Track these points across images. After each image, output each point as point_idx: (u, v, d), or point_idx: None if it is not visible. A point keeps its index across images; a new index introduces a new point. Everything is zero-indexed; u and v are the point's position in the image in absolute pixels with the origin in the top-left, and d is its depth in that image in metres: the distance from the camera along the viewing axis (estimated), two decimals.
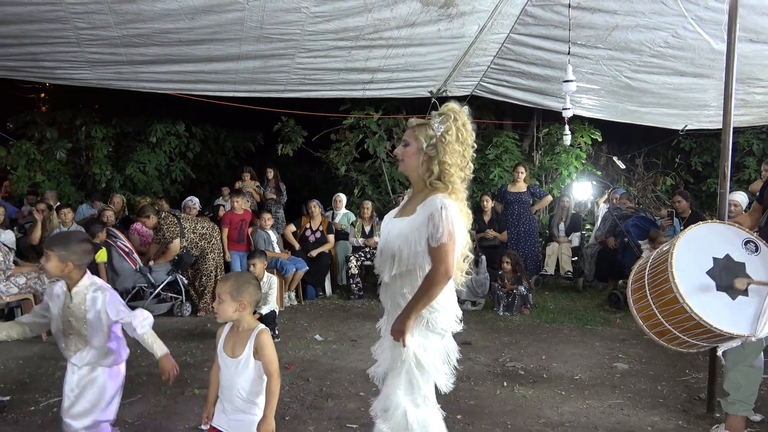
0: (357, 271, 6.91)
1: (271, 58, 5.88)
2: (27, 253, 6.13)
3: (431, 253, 2.07)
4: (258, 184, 8.53)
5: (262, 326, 2.25)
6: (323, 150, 9.57)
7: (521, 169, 7.38)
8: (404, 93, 7.57)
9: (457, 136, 2.17)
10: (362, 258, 6.99)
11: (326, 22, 5.21)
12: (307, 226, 7.19)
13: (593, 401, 3.74)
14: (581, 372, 4.32)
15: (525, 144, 10.20)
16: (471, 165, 2.26)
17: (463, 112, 2.22)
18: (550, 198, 7.71)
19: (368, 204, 7.35)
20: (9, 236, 5.60)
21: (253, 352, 2.19)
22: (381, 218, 7.59)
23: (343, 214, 7.92)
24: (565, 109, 6.10)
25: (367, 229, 7.25)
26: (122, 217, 7.37)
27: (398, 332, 2.13)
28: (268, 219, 6.79)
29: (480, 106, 8.83)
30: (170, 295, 6.05)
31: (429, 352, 2.19)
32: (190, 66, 5.87)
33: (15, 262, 5.37)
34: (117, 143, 9.82)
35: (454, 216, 2.07)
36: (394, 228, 2.21)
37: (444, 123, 2.17)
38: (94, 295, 2.51)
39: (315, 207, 7.19)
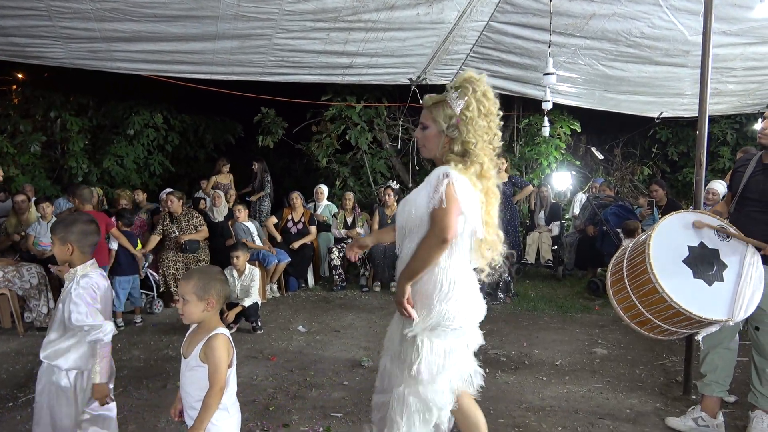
0: (339, 263, 6.90)
1: (249, 38, 5.77)
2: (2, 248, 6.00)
3: (431, 218, 1.95)
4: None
5: (220, 331, 2.05)
6: (304, 142, 9.51)
7: (502, 159, 7.42)
8: (384, 80, 7.53)
9: (479, 110, 1.99)
10: (344, 249, 6.97)
11: (304, 1, 5.11)
12: (289, 217, 7.16)
13: (573, 386, 3.80)
14: (562, 358, 4.38)
15: (505, 135, 10.26)
16: (499, 134, 2.11)
17: (482, 81, 2.03)
18: (531, 188, 7.78)
19: (350, 195, 7.34)
20: None
21: (202, 356, 2.02)
22: (362, 209, 7.63)
23: (324, 205, 7.90)
24: (545, 101, 6.15)
25: (349, 220, 7.24)
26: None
27: (398, 303, 2.03)
28: (241, 210, 6.73)
29: None
30: (143, 292, 5.93)
31: (434, 350, 2.04)
32: (166, 45, 5.71)
33: None
34: (93, 136, 9.63)
35: (458, 186, 1.93)
36: (404, 203, 2.14)
37: (462, 97, 1.98)
38: (80, 281, 2.36)
39: (297, 198, 7.15)
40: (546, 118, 7.02)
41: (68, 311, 2.32)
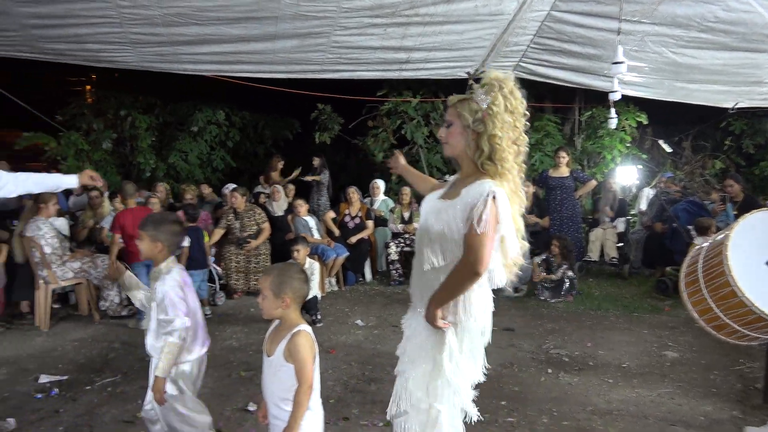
0: (396, 257, 6.90)
1: (308, 36, 5.87)
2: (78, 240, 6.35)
3: (465, 241, 1.87)
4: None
5: (302, 327, 2.02)
6: (360, 137, 9.56)
7: (563, 153, 7.20)
8: (441, 74, 7.47)
9: (506, 106, 1.94)
10: (402, 244, 6.98)
11: None
12: (346, 212, 7.23)
13: (642, 390, 3.65)
14: (629, 360, 4.21)
15: (566, 128, 9.96)
16: (524, 137, 2.03)
17: (509, 79, 2.00)
18: (594, 183, 7.50)
19: (407, 190, 7.32)
20: (62, 223, 5.81)
21: (286, 354, 1.99)
22: (420, 204, 7.58)
23: (381, 200, 7.92)
24: (613, 92, 5.90)
25: (406, 215, 7.23)
26: (167, 204, 7.55)
27: (429, 322, 1.97)
28: (301, 205, 6.84)
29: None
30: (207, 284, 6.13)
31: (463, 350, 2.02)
32: (228, 46, 5.92)
33: (71, 249, 5.57)
34: (160, 133, 10.05)
35: (501, 206, 1.86)
36: (434, 209, 2.01)
37: (489, 93, 1.95)
38: (163, 278, 2.45)
39: (353, 193, 7.20)
40: (613, 110, 6.74)
41: (160, 307, 2.41)
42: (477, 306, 1.98)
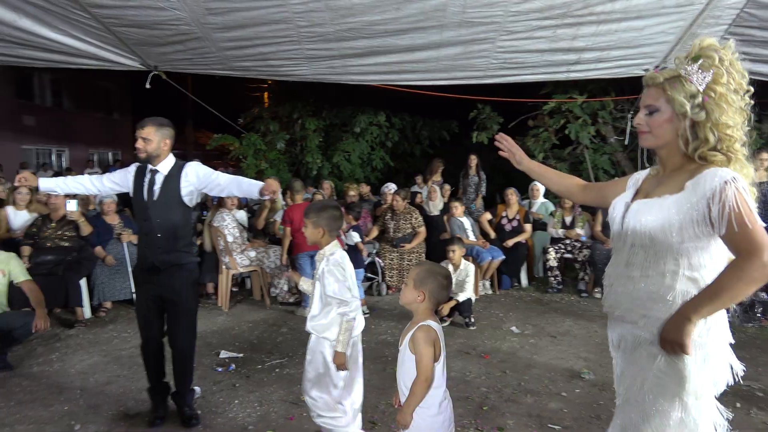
0: (555, 264, 6.54)
1: (472, 43, 5.81)
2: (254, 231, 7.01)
3: (731, 240, 1.50)
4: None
5: (428, 323, 2.08)
6: (520, 137, 9.22)
7: (765, 155, 6.23)
8: (615, 73, 6.90)
9: (729, 83, 1.57)
10: (562, 250, 6.59)
11: (531, 0, 4.96)
12: (503, 214, 7.02)
13: None
14: None
15: (765, 126, 8.63)
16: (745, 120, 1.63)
17: (729, 47, 1.60)
18: None
19: None
20: (242, 215, 6.45)
21: (410, 345, 2.08)
22: (583, 209, 7.10)
23: (540, 203, 7.58)
24: None
25: (568, 219, 6.81)
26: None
27: (674, 344, 1.55)
28: (457, 207, 6.78)
29: None
30: (368, 275, 6.39)
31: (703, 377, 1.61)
32: (393, 57, 6.10)
33: (248, 239, 6.16)
34: (326, 134, 10.74)
35: (747, 195, 1.51)
36: (642, 211, 1.65)
37: (708, 69, 1.56)
38: (329, 258, 2.63)
39: (512, 195, 6.98)
40: None
41: (324, 286, 2.60)
42: (718, 319, 1.61)
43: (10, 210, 5.73)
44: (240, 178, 3.34)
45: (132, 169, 3.25)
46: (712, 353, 1.60)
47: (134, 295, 5.66)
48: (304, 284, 2.87)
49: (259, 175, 9.60)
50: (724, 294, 1.50)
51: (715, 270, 1.58)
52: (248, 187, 3.24)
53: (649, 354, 1.63)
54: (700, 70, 1.57)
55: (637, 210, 1.69)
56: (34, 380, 3.89)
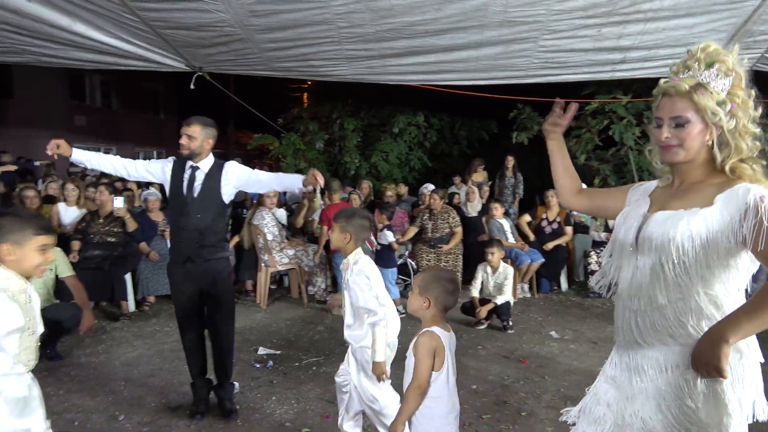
0: (597, 268, 6.38)
1: (513, 42, 5.72)
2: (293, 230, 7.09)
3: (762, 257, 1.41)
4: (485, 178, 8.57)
5: (431, 329, 2.02)
6: None
7: None
8: (662, 72, 6.61)
9: (745, 88, 1.52)
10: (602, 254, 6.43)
11: None
12: (543, 216, 6.90)
13: None
14: None
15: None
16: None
17: (735, 51, 1.56)
18: None
19: None
20: (281, 214, 6.54)
21: (414, 349, 2.03)
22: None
23: None
24: None
25: (611, 223, 6.64)
26: (369, 201, 8.04)
27: (709, 366, 1.40)
28: (497, 208, 6.69)
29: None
30: (401, 278, 6.36)
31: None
32: (432, 57, 6.06)
33: (286, 237, 6.24)
34: (364, 134, 10.76)
35: None
36: (668, 223, 1.50)
37: (728, 75, 1.51)
38: (353, 268, 2.59)
39: (552, 197, 6.84)
40: None
41: (352, 296, 2.58)
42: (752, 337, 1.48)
43: (61, 206, 5.98)
44: (280, 173, 3.43)
45: (170, 163, 3.30)
46: (748, 374, 1.49)
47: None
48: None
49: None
50: (759, 315, 1.36)
51: (733, 294, 1.49)
52: (290, 181, 3.30)
53: (677, 381, 1.49)
54: (718, 77, 1.50)
55: (661, 221, 1.53)
56: (81, 370, 4.04)
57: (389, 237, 5.78)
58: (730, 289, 1.49)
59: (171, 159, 3.33)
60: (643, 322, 1.55)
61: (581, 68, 6.46)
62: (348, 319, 2.65)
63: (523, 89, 7.59)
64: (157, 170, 3.32)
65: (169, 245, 5.73)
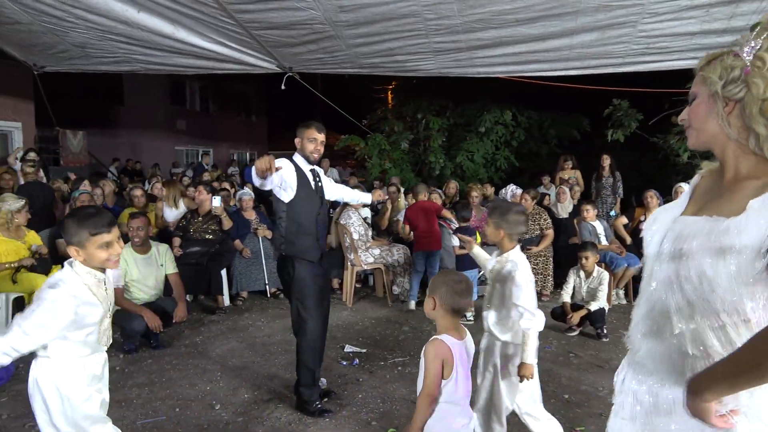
0: None
1: (610, 28, 5.40)
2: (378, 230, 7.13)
3: None
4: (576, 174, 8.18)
5: (440, 336, 1.98)
6: (661, 135, 8.48)
7: None
8: None
9: None
10: None
11: None
12: (642, 218, 6.47)
13: None
14: None
15: None
16: None
17: None
18: None
19: None
20: (367, 213, 6.59)
21: (424, 355, 2.00)
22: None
23: None
24: None
25: None
26: (452, 202, 7.92)
27: (701, 420, 1.16)
28: (589, 210, 6.35)
29: None
30: (481, 278, 6.19)
31: None
32: (522, 46, 5.87)
33: (372, 237, 6.29)
34: (449, 134, 10.64)
35: None
36: (684, 236, 1.20)
37: (758, 38, 1.14)
38: (508, 267, 2.56)
39: (652, 198, 6.40)
40: None
41: (508, 291, 2.51)
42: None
43: (165, 204, 6.40)
44: (347, 188, 3.96)
45: (290, 167, 3.26)
46: (764, 408, 1.16)
47: (267, 286, 6.05)
48: (475, 249, 2.99)
49: (382, 175, 9.77)
50: (750, 360, 1.04)
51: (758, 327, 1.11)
52: (358, 196, 3.94)
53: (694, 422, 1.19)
54: (750, 39, 1.16)
55: (677, 232, 1.23)
56: (182, 360, 4.27)
57: (454, 241, 5.70)
58: (747, 323, 1.13)
59: (288, 162, 3.25)
60: (657, 352, 1.29)
61: (687, 53, 5.94)
62: (492, 312, 2.61)
63: (618, 81, 7.16)
64: (285, 178, 3.23)
65: (260, 243, 6.03)
